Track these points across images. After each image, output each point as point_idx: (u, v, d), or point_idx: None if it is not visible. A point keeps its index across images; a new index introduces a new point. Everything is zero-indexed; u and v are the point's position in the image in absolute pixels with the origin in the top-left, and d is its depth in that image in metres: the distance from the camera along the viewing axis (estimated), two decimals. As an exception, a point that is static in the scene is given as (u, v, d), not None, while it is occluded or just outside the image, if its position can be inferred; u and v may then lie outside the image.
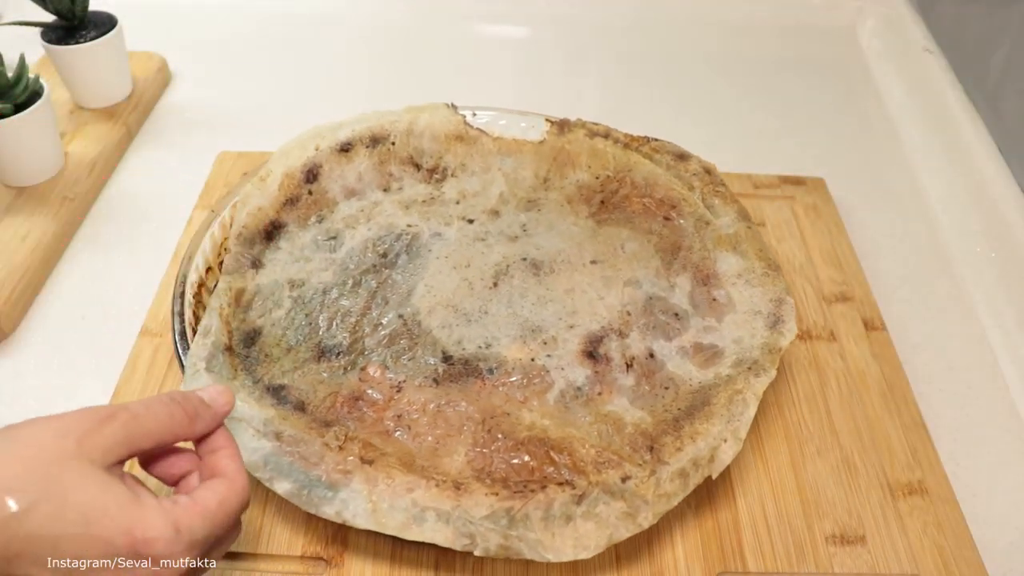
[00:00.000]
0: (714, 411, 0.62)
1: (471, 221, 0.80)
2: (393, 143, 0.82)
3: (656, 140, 0.84)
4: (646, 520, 0.56)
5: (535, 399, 0.65)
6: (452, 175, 0.84)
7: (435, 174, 0.84)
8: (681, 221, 0.78)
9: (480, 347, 0.68)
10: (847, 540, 0.63)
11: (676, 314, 0.71)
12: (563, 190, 0.83)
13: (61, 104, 1.00)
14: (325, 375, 0.66)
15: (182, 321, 0.66)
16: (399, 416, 0.63)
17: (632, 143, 0.83)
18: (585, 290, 0.73)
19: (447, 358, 0.67)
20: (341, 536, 0.61)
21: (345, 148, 0.81)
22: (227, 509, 0.43)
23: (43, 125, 0.87)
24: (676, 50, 1.23)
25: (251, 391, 0.62)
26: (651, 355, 0.68)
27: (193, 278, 0.70)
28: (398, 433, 0.62)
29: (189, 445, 0.49)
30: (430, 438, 0.62)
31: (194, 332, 0.66)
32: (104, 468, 0.40)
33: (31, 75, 0.86)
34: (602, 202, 0.81)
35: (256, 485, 0.64)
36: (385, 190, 0.81)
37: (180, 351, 0.64)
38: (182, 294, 0.68)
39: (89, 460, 0.39)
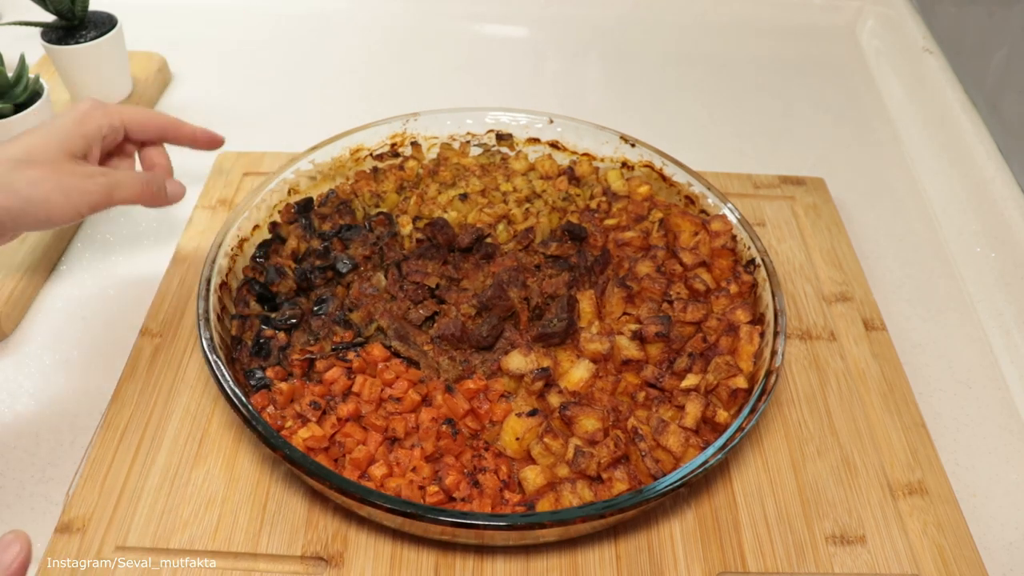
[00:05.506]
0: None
1: None
2: None
3: None
4: None
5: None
6: None
7: None
8: None
9: None
10: (847, 540, 0.63)
11: None
12: None
13: (61, 104, 1.00)
14: None
15: (207, 285, 0.69)
16: None
17: None
18: None
19: None
20: (341, 536, 0.61)
21: None
22: None
23: (43, 125, 0.87)
24: (676, 51, 1.23)
25: None
26: None
27: (232, 243, 0.74)
28: None
29: None
30: None
31: (223, 283, 0.70)
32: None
33: (31, 75, 0.86)
34: None
35: (254, 486, 0.64)
36: None
37: (203, 293, 0.68)
38: (214, 260, 0.71)
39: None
